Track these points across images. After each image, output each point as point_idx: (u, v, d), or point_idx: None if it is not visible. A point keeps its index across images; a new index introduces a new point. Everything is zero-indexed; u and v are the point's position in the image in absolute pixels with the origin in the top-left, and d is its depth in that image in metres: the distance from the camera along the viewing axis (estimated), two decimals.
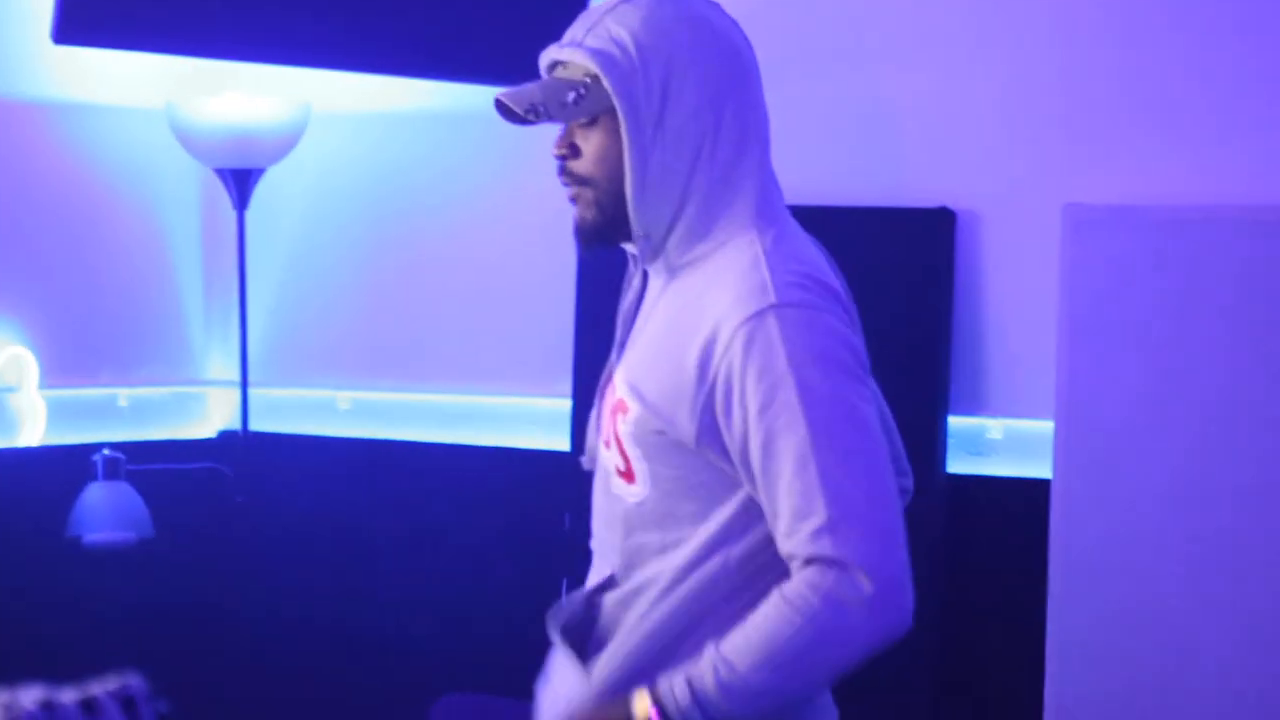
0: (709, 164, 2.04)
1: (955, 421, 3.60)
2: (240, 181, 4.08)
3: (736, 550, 2.03)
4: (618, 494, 2.09)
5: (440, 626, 4.15)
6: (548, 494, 3.89)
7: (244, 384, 4.24)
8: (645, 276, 2.15)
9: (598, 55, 2.02)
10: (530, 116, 2.06)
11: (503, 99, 2.07)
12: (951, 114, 3.64)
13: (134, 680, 1.09)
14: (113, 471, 3.95)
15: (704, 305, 2.01)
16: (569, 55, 2.05)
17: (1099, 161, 3.50)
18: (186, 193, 4.36)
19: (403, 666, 4.17)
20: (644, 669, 2.03)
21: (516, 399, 4.10)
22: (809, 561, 1.93)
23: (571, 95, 2.04)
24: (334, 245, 4.35)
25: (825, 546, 1.91)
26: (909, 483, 2.27)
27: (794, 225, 2.12)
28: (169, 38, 3.78)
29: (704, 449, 2.01)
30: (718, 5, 2.12)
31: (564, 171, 2.09)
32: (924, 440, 3.55)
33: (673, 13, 2.05)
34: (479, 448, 4.11)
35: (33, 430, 4.02)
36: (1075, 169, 3.52)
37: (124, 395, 4.27)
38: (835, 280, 2.10)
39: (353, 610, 4.26)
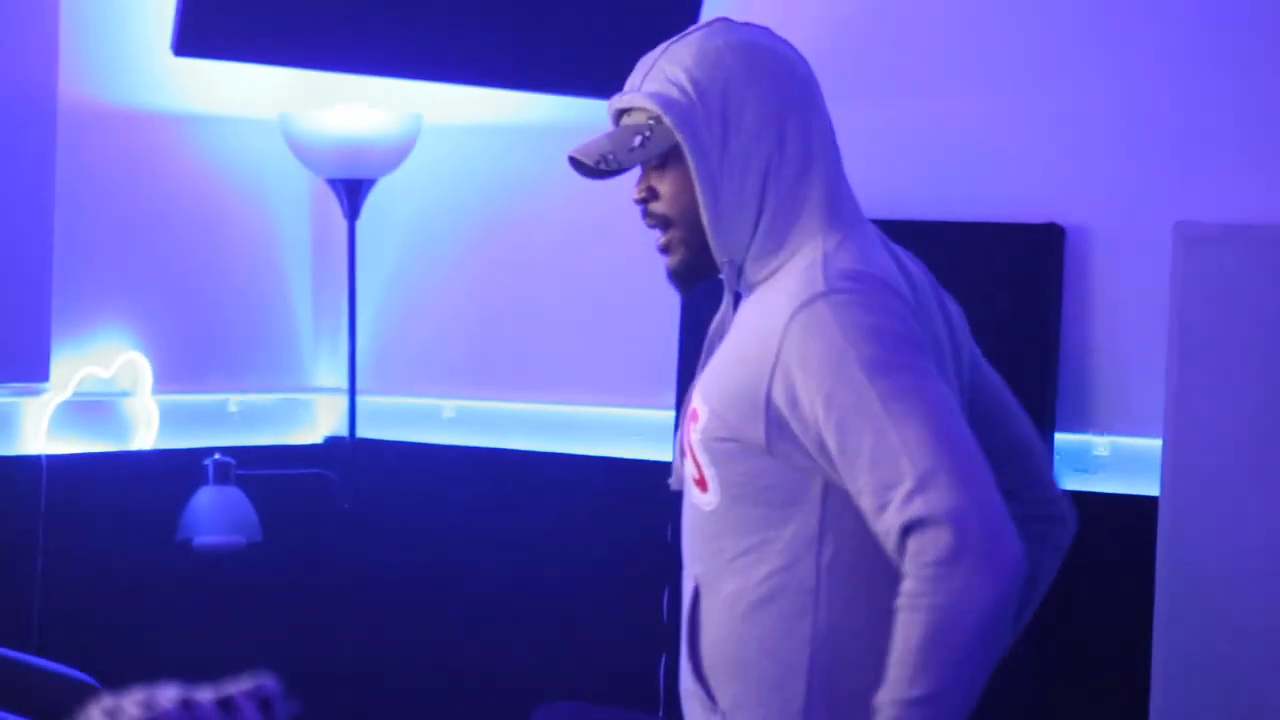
0: (776, 182, 2.09)
1: (1062, 438, 3.58)
2: (351, 192, 4.13)
3: (827, 554, 2.03)
4: (695, 503, 2.12)
5: (541, 634, 4.17)
6: (650, 504, 3.89)
7: (352, 391, 4.30)
8: (737, 299, 2.18)
9: (656, 97, 2.09)
10: (602, 166, 2.12)
11: (575, 154, 2.13)
12: (1062, 130, 3.63)
13: (268, 681, 1.11)
14: (223, 476, 4.01)
15: (766, 310, 2.05)
16: (630, 101, 2.12)
17: (1211, 178, 3.48)
18: (298, 202, 4.43)
19: (504, 673, 4.21)
20: (768, 687, 2.04)
21: (620, 409, 4.12)
22: (905, 531, 1.89)
23: (638, 140, 2.10)
24: (442, 255, 4.39)
25: (917, 508, 1.88)
26: (1057, 510, 2.27)
27: (867, 231, 2.14)
28: (284, 50, 3.85)
29: (777, 451, 2.02)
30: (767, 29, 2.17)
31: (647, 215, 2.16)
32: None
33: (723, 43, 2.10)
34: (582, 457, 4.14)
35: (146, 434, 4.09)
36: (1186, 186, 3.50)
37: (234, 401, 4.33)
38: (902, 282, 2.10)
39: (455, 616, 4.29)
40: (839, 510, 2.02)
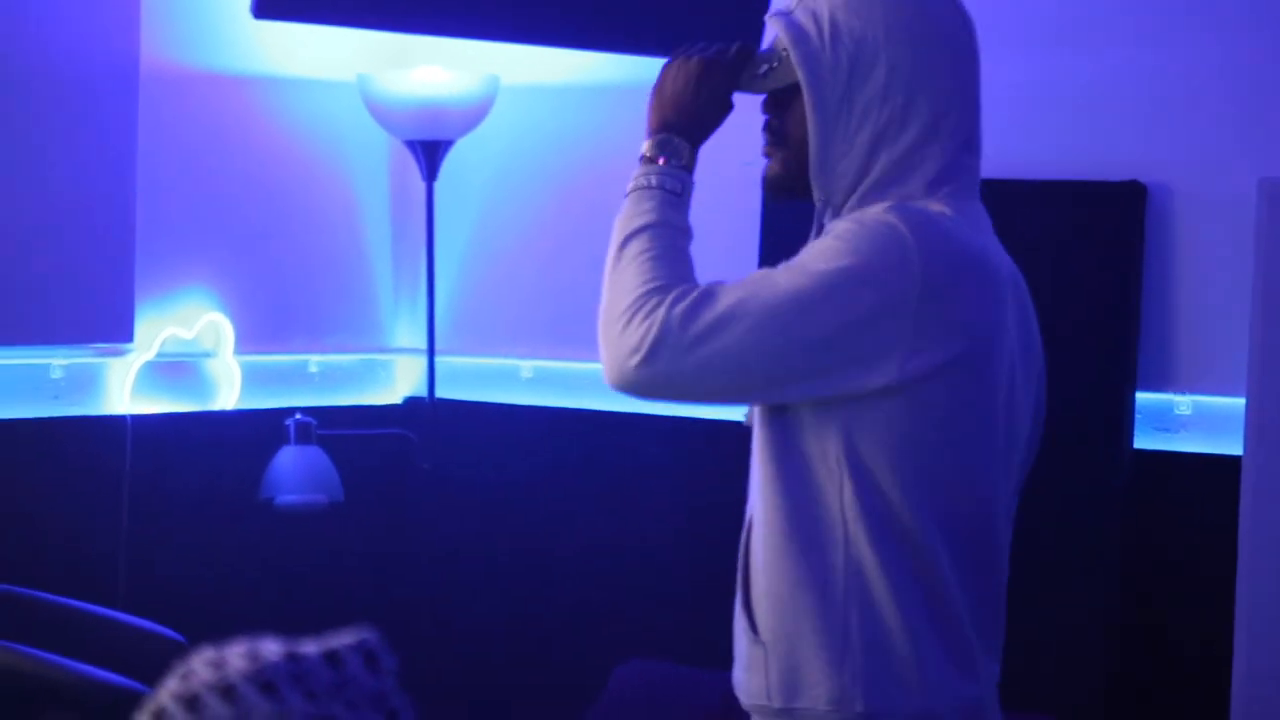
0: (891, 146, 2.05)
1: (1143, 397, 3.56)
2: (429, 153, 4.15)
3: (848, 487, 2.02)
4: (750, 427, 2.14)
5: (621, 593, 4.19)
6: (727, 464, 3.90)
7: (430, 352, 4.32)
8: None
9: (792, 29, 2.06)
10: (734, 86, 2.13)
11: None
12: (1144, 86, 3.59)
13: (371, 635, 1.13)
14: (304, 436, 4.04)
15: None
16: (773, 24, 2.10)
17: None
18: (376, 164, 4.45)
19: (585, 631, 4.23)
20: (804, 619, 2.04)
21: None
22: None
23: (764, 68, 2.11)
24: (520, 216, 4.41)
25: (686, 299, 2.01)
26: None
27: (965, 203, 2.09)
28: (362, 12, 3.85)
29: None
30: None
31: (767, 127, 2.14)
32: (1111, 416, 3.52)
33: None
34: (659, 417, 4.14)
35: (229, 394, 4.14)
36: (1270, 142, 3.45)
37: (315, 361, 4.37)
38: (982, 255, 2.07)
39: (535, 575, 4.32)
40: (856, 442, 2.01)
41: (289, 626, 1.50)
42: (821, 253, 2.00)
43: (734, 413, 3.96)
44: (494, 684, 4.33)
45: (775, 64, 2.09)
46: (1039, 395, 2.21)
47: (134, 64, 3.90)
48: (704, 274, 2.14)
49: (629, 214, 2.12)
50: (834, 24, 2.04)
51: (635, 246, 2.09)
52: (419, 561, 4.41)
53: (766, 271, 2.02)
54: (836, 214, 2.09)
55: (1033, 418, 2.19)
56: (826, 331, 1.98)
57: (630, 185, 2.14)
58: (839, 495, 2.02)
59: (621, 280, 2.09)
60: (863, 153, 2.05)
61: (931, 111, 2.06)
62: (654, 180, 2.13)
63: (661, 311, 2.01)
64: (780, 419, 2.06)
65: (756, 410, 2.10)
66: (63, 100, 3.80)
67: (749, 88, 2.13)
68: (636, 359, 2.03)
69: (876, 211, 2.02)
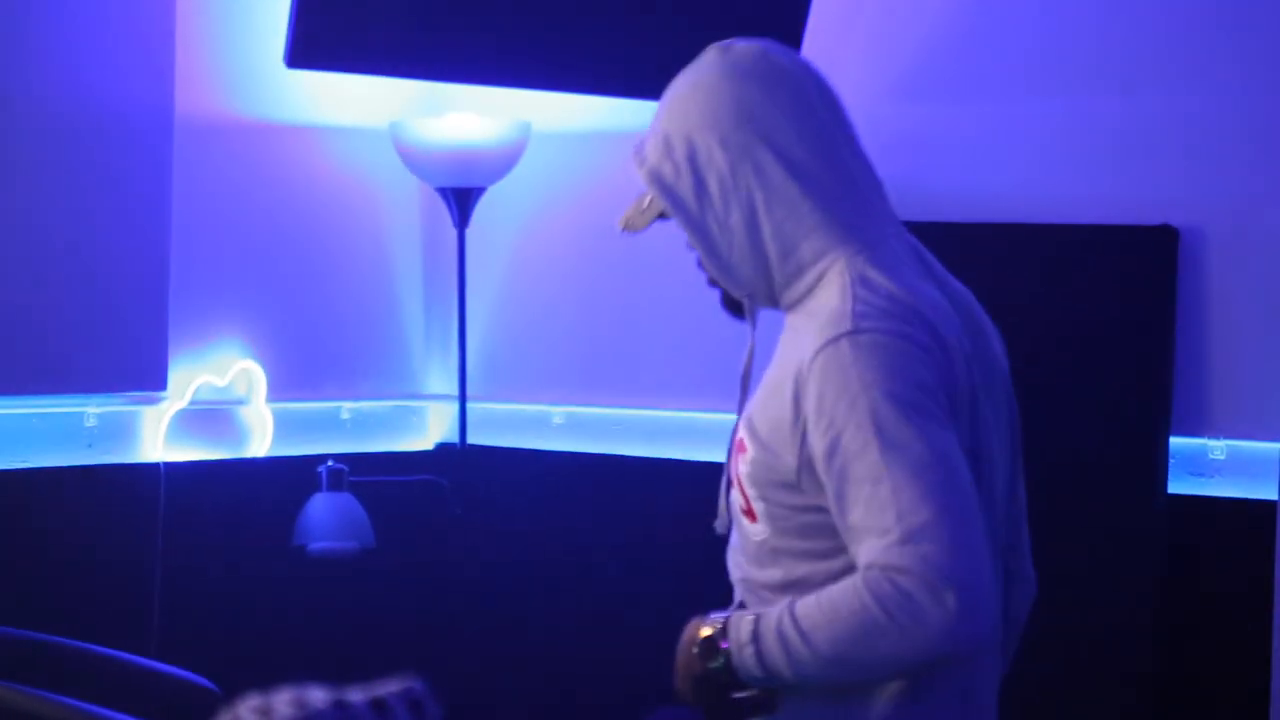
0: (768, 218, 2.06)
1: (1177, 442, 3.54)
2: (461, 200, 4.17)
3: None
4: (745, 532, 2.13)
5: (652, 639, 4.16)
6: None
7: (462, 398, 4.33)
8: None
9: (637, 158, 2.13)
10: (629, 229, 2.19)
11: (620, 225, 2.21)
12: (1176, 130, 3.58)
13: (417, 683, 1.13)
14: (336, 482, 4.05)
15: (800, 341, 2.04)
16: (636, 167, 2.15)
17: None
18: (408, 211, 4.47)
19: (615, 679, 4.21)
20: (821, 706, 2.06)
21: (731, 415, 4.11)
22: (885, 570, 1.90)
23: (644, 201, 2.17)
24: (551, 262, 4.41)
25: (899, 557, 1.89)
26: (1025, 567, 2.26)
27: (894, 247, 2.09)
28: (395, 61, 3.88)
29: (804, 485, 2.02)
30: (731, 46, 2.12)
31: (698, 262, 2.17)
32: (1144, 460, 3.50)
33: (690, 85, 2.09)
34: (693, 463, 4.13)
35: (261, 442, 4.15)
36: None
37: (347, 408, 4.38)
38: (931, 307, 2.06)
39: (566, 621, 4.31)
40: None
41: (321, 674, 1.50)
42: (872, 418, 1.94)
43: None
44: None
45: (646, 203, 2.15)
46: (1011, 409, 2.19)
47: (169, 112, 3.93)
48: (739, 346, 2.16)
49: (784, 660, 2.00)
50: (664, 136, 2.09)
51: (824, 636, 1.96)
52: (450, 608, 4.41)
53: (872, 465, 1.93)
54: (775, 302, 2.12)
55: (1010, 434, 2.16)
56: (944, 447, 1.96)
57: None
58: None
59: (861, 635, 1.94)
60: (744, 236, 2.07)
61: (785, 163, 2.05)
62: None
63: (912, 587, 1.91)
64: (802, 526, 2.07)
65: (765, 512, 2.09)
66: (98, 148, 3.82)
67: (638, 226, 2.17)
68: (964, 615, 1.90)
69: (844, 347, 1.98)
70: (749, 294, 2.11)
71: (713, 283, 2.17)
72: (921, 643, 1.89)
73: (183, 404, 4.01)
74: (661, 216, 2.16)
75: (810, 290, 2.06)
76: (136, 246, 3.90)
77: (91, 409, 3.88)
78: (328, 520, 4.02)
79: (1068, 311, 3.57)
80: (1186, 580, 3.53)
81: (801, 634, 1.94)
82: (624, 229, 2.17)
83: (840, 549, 2.02)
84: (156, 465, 3.94)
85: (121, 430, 3.94)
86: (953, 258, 3.68)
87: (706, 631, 2.03)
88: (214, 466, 4.05)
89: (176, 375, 3.99)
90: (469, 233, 4.22)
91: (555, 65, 3.92)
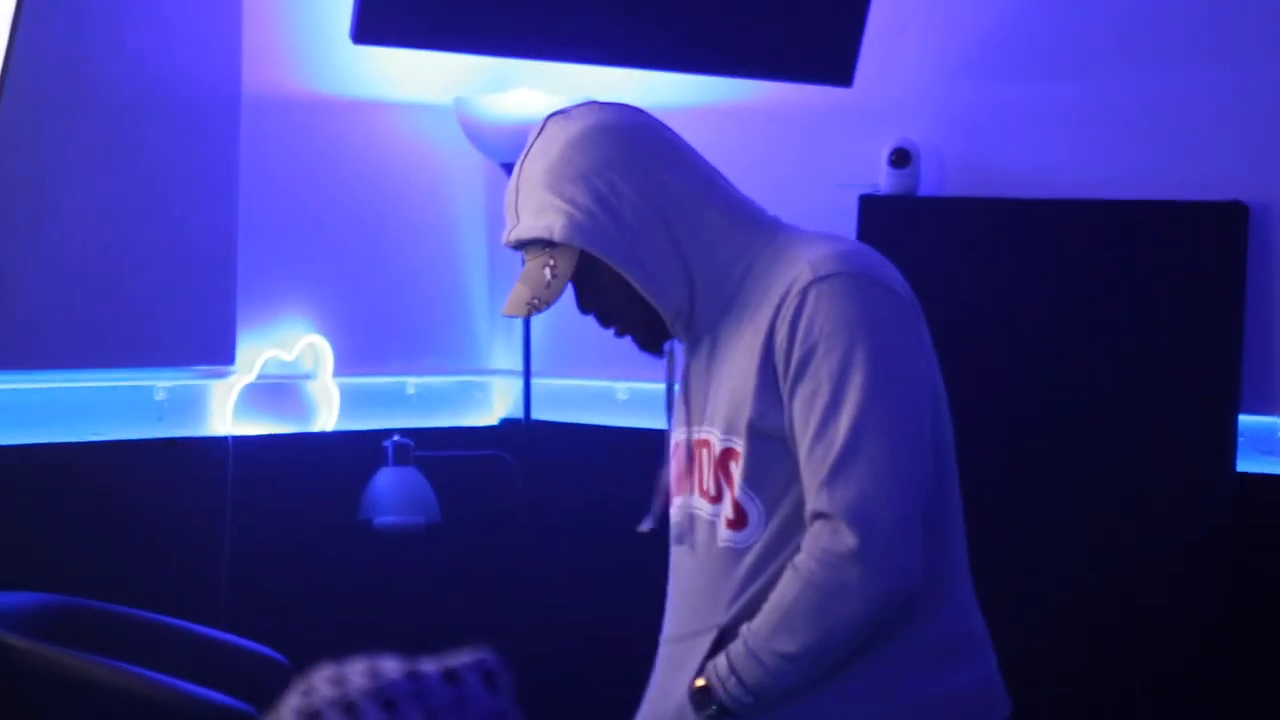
0: (681, 227, 2.09)
1: (1246, 419, 3.51)
2: None
3: None
4: (721, 547, 2.10)
5: None
6: None
7: (526, 374, 4.34)
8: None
9: (538, 229, 2.09)
10: (533, 311, 2.13)
11: (507, 313, 2.16)
12: (1247, 106, 3.55)
13: (490, 654, 1.14)
14: (402, 457, 4.07)
15: (759, 316, 2.06)
16: (516, 238, 2.13)
17: None
18: (473, 187, 4.48)
19: None
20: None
21: None
22: (813, 518, 1.98)
23: (547, 273, 2.11)
24: None
25: (822, 501, 1.97)
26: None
27: (801, 233, 2.15)
28: (459, 37, 3.89)
29: (771, 431, 2.05)
30: (591, 103, 2.16)
31: (601, 319, 2.17)
32: (1214, 439, 3.48)
33: (564, 142, 2.10)
34: None
35: (328, 416, 4.17)
36: None
37: (412, 383, 4.40)
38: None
39: (630, 595, 4.31)
40: None
41: (386, 647, 1.51)
42: (855, 354, 1.99)
43: None
44: (586, 705, 4.33)
45: (552, 263, 2.10)
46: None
47: (236, 89, 3.95)
48: None
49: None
50: (559, 193, 2.08)
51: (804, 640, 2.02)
52: (515, 582, 4.43)
53: (824, 407, 1.99)
54: (691, 323, 2.11)
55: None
56: (911, 397, 2.03)
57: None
58: None
59: (830, 625, 2.00)
60: (669, 254, 2.09)
61: (685, 180, 2.11)
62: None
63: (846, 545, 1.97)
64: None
65: (763, 506, 2.07)
66: (167, 125, 3.85)
67: (551, 299, 2.12)
68: (881, 560, 1.97)
69: (840, 282, 2.02)
70: (678, 314, 2.12)
71: (620, 333, 2.18)
72: (852, 603, 1.97)
73: (250, 378, 4.04)
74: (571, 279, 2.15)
75: (740, 284, 2.10)
76: (205, 222, 3.93)
77: (161, 383, 3.92)
78: (393, 495, 4.04)
79: (1136, 289, 3.55)
80: (1255, 557, 3.50)
81: (764, 642, 2.00)
82: (526, 314, 2.14)
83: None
84: (225, 439, 3.98)
85: (190, 404, 3.97)
86: (1021, 234, 3.68)
87: (699, 682, 2.07)
88: (281, 440, 4.08)
89: (244, 350, 4.02)
90: None
91: (618, 40, 3.92)
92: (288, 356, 4.12)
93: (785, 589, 1.99)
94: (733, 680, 2.03)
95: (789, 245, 2.10)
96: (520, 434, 4.39)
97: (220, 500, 3.94)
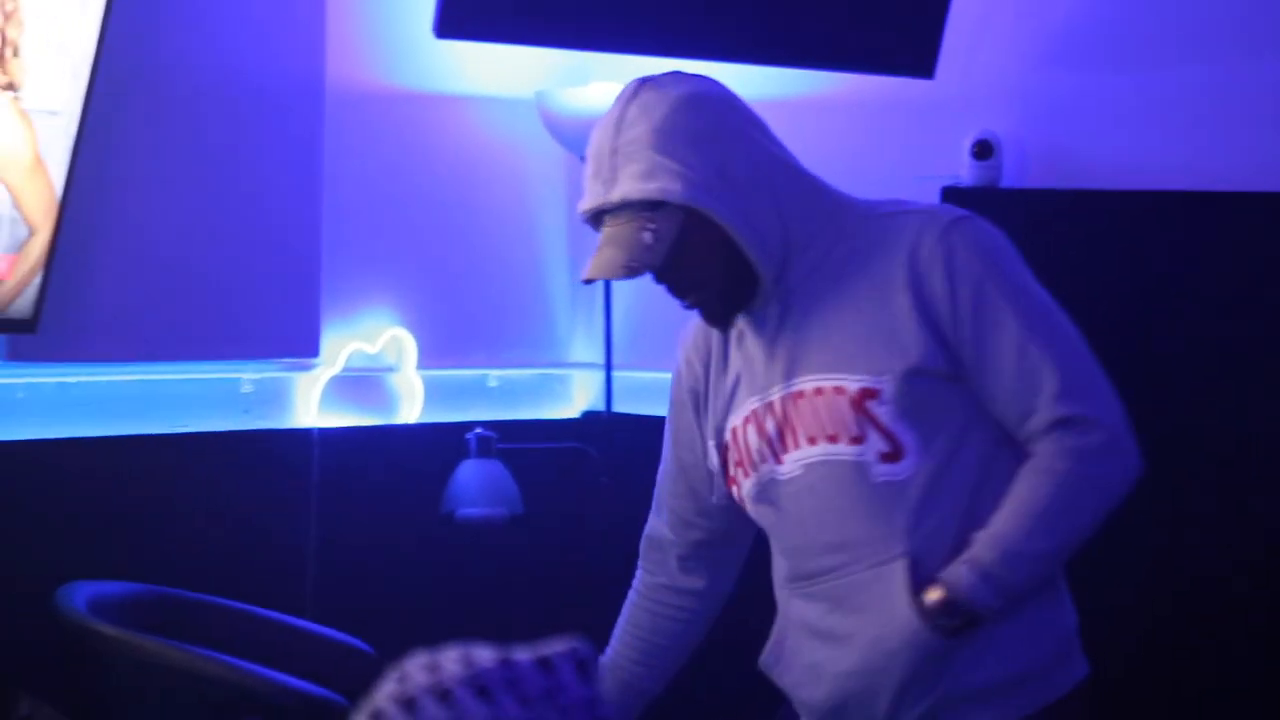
0: (783, 188, 2.15)
1: None
2: None
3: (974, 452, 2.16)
4: (875, 482, 2.13)
5: None
6: None
7: (608, 366, 4.35)
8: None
9: (646, 187, 2.09)
10: (629, 274, 2.14)
11: (594, 277, 2.17)
12: None
13: (582, 644, 1.15)
14: (485, 449, 4.09)
15: (880, 269, 2.13)
16: (622, 198, 2.11)
17: None
18: (554, 180, 4.50)
19: (760, 642, 4.22)
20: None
21: None
22: (1054, 426, 2.09)
23: (648, 237, 2.12)
24: None
25: (1066, 408, 2.09)
26: None
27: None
28: (540, 30, 3.91)
29: (958, 367, 2.13)
30: (677, 73, 2.19)
31: (679, 287, 2.18)
32: None
33: (668, 107, 2.12)
34: None
35: (411, 408, 4.21)
36: None
37: (494, 376, 4.43)
38: None
39: None
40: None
41: (469, 637, 1.53)
42: (1008, 287, 2.14)
43: None
44: (667, 697, 4.34)
45: (653, 227, 2.11)
46: None
47: (320, 84, 3.99)
48: None
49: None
50: (671, 154, 2.09)
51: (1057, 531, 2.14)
52: (597, 575, 4.44)
53: (1014, 334, 2.12)
54: (799, 274, 2.16)
55: None
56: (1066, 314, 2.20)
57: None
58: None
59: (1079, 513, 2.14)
60: (771, 203, 2.13)
61: (780, 152, 2.18)
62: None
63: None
64: (938, 415, 2.16)
65: (918, 438, 2.13)
66: (252, 121, 3.89)
67: (651, 264, 2.13)
68: (1127, 448, 2.15)
69: (967, 229, 2.15)
70: (776, 277, 2.16)
71: (696, 304, 2.20)
72: (1107, 493, 2.11)
73: (335, 371, 4.08)
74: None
75: (831, 245, 2.16)
76: (290, 216, 3.97)
77: (247, 375, 3.97)
78: (476, 487, 4.06)
79: (1227, 281, 3.51)
80: None
81: (1021, 545, 2.08)
82: (622, 277, 2.16)
83: (970, 425, 2.14)
84: (310, 431, 4.02)
85: (276, 396, 4.02)
86: (1105, 226, 3.65)
87: (935, 595, 2.10)
88: (365, 433, 4.12)
89: (329, 342, 4.06)
90: None
91: (697, 33, 3.92)
92: (372, 349, 4.15)
93: (1033, 492, 2.09)
94: (985, 588, 2.08)
95: (874, 207, 2.20)
96: (601, 426, 4.40)
97: (305, 492, 3.98)
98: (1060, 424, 2.09)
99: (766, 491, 2.22)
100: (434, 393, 4.24)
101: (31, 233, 3.39)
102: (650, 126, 2.11)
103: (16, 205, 3.34)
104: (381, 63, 4.19)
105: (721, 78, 4.27)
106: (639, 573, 2.51)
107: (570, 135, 4.17)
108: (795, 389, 2.17)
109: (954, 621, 2.10)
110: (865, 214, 2.19)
